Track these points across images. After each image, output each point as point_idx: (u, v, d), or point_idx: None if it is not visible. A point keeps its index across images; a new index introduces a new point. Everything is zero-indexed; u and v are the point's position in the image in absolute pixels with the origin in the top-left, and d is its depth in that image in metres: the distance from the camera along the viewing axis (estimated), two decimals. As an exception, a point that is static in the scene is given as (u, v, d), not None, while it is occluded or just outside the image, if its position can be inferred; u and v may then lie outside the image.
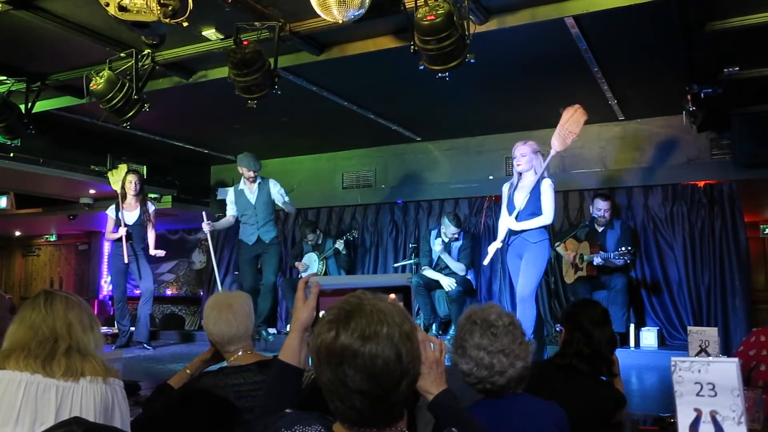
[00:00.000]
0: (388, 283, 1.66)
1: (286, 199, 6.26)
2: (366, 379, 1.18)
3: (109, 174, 6.70)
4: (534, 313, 4.61)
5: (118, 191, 6.42)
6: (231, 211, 6.28)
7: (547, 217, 4.67)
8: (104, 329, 7.24)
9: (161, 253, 6.57)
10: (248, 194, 6.14)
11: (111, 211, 6.41)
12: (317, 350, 1.23)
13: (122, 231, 6.22)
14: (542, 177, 4.72)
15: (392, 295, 1.51)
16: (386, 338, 1.19)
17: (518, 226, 4.73)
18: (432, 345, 1.54)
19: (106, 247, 10.66)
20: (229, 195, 6.30)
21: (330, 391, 1.22)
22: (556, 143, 4.92)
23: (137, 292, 6.68)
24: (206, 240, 6.53)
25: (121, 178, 6.47)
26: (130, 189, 6.36)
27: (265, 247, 6.10)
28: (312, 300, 1.59)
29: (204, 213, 6.34)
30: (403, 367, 1.20)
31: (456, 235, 6.42)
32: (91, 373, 1.77)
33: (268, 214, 6.14)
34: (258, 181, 6.12)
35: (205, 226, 6.16)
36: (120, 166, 6.72)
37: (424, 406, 1.57)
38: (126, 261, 6.23)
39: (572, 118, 4.88)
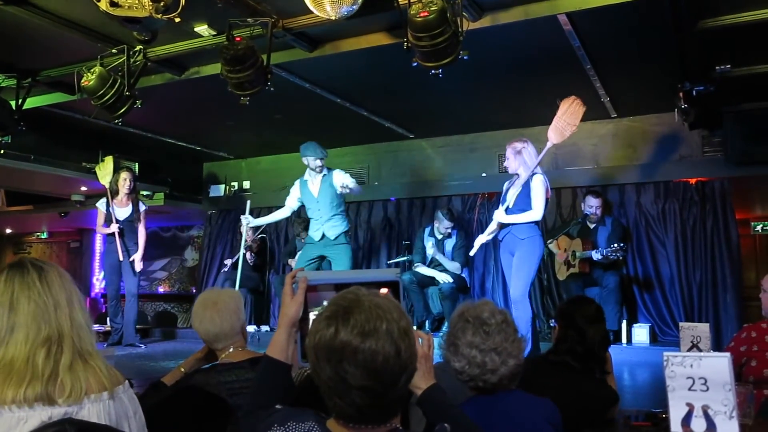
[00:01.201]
0: (377, 278, 1.65)
1: (348, 183, 5.56)
2: (366, 376, 1.17)
3: (97, 168, 6.58)
4: (529, 314, 4.58)
5: (107, 186, 6.32)
6: (291, 202, 5.90)
7: (535, 212, 4.65)
8: (96, 327, 7.23)
9: (139, 267, 6.32)
10: (311, 186, 5.75)
11: (101, 205, 6.32)
12: (315, 347, 1.22)
13: (114, 227, 6.15)
14: (533, 173, 4.72)
15: (384, 290, 1.51)
16: (386, 334, 1.19)
17: (506, 219, 4.74)
18: (420, 340, 1.54)
19: (98, 244, 10.63)
20: (294, 186, 5.92)
21: (329, 388, 1.21)
22: (553, 135, 4.87)
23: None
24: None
25: (108, 171, 6.37)
26: (124, 187, 6.26)
27: (332, 246, 5.64)
28: (300, 295, 1.59)
29: (248, 202, 6.25)
30: (402, 362, 1.20)
31: (449, 230, 6.41)
32: (96, 389, 1.48)
33: (333, 207, 5.66)
34: (323, 172, 5.73)
35: (244, 219, 6.01)
36: (106, 158, 6.55)
37: (418, 403, 1.57)
38: (121, 258, 6.18)
39: (569, 110, 4.83)
